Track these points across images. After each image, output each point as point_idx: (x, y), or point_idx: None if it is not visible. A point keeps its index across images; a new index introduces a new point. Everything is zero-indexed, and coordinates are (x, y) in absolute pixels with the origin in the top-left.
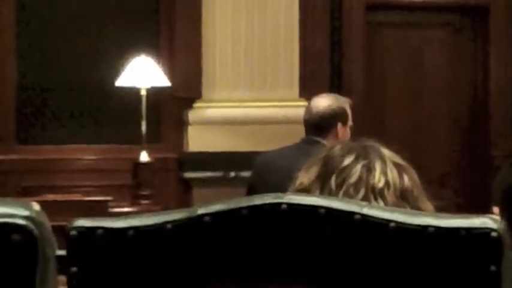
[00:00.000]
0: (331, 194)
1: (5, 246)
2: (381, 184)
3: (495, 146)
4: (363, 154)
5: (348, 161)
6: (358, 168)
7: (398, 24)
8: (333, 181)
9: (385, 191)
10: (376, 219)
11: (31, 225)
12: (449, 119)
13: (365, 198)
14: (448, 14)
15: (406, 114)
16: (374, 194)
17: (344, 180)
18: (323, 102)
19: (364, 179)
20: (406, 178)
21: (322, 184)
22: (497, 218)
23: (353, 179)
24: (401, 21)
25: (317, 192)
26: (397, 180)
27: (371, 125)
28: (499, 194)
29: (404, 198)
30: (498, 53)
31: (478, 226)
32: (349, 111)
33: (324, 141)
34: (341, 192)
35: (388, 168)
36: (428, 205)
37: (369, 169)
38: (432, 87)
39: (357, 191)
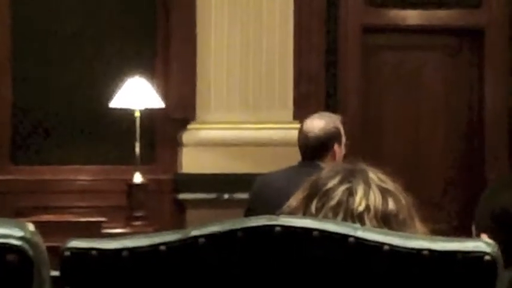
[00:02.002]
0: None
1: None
2: (361, 208)
3: (490, 169)
4: (347, 177)
5: (330, 184)
6: (339, 191)
7: (394, 46)
8: (313, 204)
9: (365, 215)
10: (370, 242)
11: (26, 246)
12: (445, 141)
13: None
14: (445, 37)
15: (402, 136)
16: (353, 218)
17: (324, 204)
18: (318, 125)
19: (344, 203)
20: (390, 202)
21: (305, 207)
22: (491, 241)
23: (333, 202)
24: (397, 43)
25: (300, 215)
26: (380, 205)
27: (367, 147)
28: (487, 218)
29: (386, 223)
30: (494, 76)
31: (472, 250)
32: (342, 129)
33: (322, 163)
34: (320, 216)
35: (371, 192)
36: (418, 229)
37: (350, 193)
38: (429, 109)
39: (335, 214)
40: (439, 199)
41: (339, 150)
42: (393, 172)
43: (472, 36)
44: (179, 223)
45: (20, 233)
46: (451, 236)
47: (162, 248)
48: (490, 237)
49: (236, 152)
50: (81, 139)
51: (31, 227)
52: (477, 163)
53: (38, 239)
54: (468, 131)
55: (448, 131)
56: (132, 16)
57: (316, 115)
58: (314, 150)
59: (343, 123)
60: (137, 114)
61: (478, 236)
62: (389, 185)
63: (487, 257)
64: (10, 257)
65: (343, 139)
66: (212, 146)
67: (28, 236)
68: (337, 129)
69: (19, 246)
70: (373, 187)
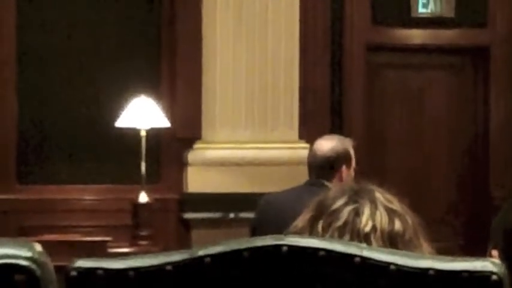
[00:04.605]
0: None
1: (7, 287)
2: (367, 228)
3: (495, 187)
4: (353, 198)
5: (337, 204)
6: (346, 212)
7: (399, 65)
8: (320, 224)
9: (372, 236)
10: (376, 261)
11: (34, 266)
12: (450, 159)
13: None
14: (449, 55)
15: (406, 154)
16: (359, 238)
17: (330, 224)
18: (327, 144)
19: (351, 223)
20: (397, 223)
21: (311, 227)
22: (498, 261)
23: (339, 222)
24: (402, 62)
25: (306, 235)
26: (386, 225)
27: (371, 165)
28: (499, 235)
29: (392, 243)
30: (498, 94)
31: (479, 269)
32: (352, 153)
33: (329, 184)
34: (327, 236)
35: (377, 212)
36: (425, 249)
37: (357, 213)
38: (432, 127)
39: (341, 234)
40: (443, 216)
41: (347, 172)
42: (397, 189)
43: (477, 55)
44: (185, 242)
45: (28, 254)
46: (456, 253)
47: (169, 267)
48: (500, 253)
49: (241, 172)
50: (87, 158)
51: (39, 247)
52: (482, 180)
53: (46, 259)
54: (473, 149)
55: (453, 149)
56: (137, 35)
57: (328, 136)
58: (320, 169)
59: (354, 147)
60: (143, 133)
61: (489, 252)
62: (396, 205)
63: (494, 277)
64: (18, 277)
65: (353, 163)
66: (218, 166)
67: (36, 256)
68: (346, 151)
69: (27, 267)
70: (380, 207)
